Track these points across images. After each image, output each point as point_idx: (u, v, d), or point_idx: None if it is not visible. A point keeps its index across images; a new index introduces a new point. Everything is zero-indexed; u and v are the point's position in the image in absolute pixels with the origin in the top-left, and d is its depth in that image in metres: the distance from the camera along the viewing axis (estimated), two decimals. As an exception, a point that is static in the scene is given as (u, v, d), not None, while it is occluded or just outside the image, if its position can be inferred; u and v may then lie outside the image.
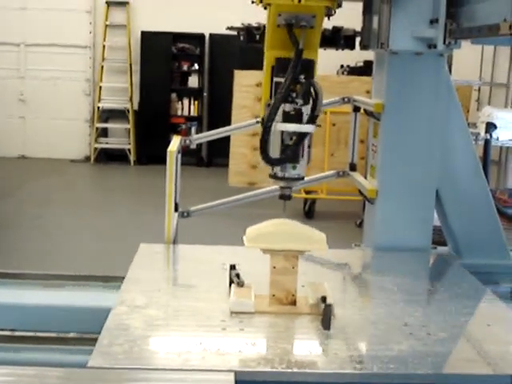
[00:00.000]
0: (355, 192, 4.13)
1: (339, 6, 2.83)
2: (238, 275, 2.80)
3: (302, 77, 2.76)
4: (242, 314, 2.58)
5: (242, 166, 9.55)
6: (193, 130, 13.07)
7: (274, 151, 2.85)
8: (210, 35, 12.94)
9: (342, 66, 11.84)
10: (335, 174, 4.52)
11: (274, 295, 2.66)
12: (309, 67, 2.80)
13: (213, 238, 7.75)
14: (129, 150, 13.02)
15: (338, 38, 3.32)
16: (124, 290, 2.81)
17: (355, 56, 10.58)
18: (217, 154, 12.70)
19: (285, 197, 2.97)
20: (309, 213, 9.13)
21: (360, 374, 2.20)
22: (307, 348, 2.38)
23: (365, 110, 4.02)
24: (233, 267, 2.89)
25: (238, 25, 3.35)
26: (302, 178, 2.98)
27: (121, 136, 13.24)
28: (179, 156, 4.19)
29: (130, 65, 12.98)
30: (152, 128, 12.80)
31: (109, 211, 9.31)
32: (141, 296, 2.73)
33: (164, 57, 12.91)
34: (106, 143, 13.15)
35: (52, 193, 10.34)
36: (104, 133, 13.28)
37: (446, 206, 3.69)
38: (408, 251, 3.53)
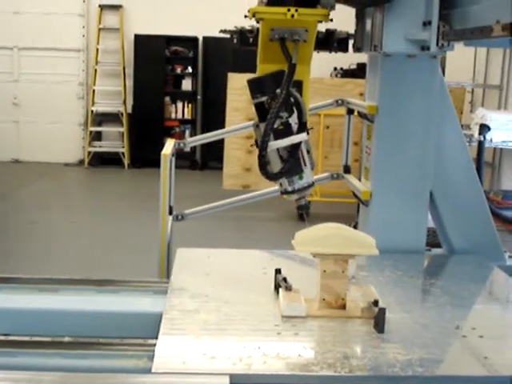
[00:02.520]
0: (349, 194, 4.13)
1: (331, 20, 2.86)
2: (285, 279, 2.81)
3: (279, 91, 2.77)
4: (293, 318, 2.59)
5: (236, 168, 9.55)
6: (187, 133, 13.06)
7: (276, 168, 2.86)
8: (204, 38, 12.94)
9: (335, 69, 11.85)
10: (329, 177, 4.53)
11: (323, 299, 2.67)
12: (280, 80, 2.80)
13: (208, 241, 7.75)
14: (123, 153, 13.01)
15: (331, 41, 3.33)
16: (171, 294, 2.84)
17: (348, 58, 10.60)
18: (211, 157, 12.70)
19: (302, 207, 3.02)
20: (303, 215, 9.12)
21: (420, 377, 2.22)
22: (365, 351, 2.37)
23: (358, 113, 4.03)
24: (278, 271, 2.89)
25: (232, 28, 3.35)
26: (313, 184, 2.99)
27: (114, 139, 13.22)
28: (173, 159, 4.19)
29: (124, 68, 12.96)
30: (146, 131, 12.79)
31: (103, 215, 9.29)
32: (190, 301, 2.76)
33: (157, 60, 12.90)
34: (100, 147, 13.13)
35: (46, 197, 10.32)
36: (98, 136, 13.26)
37: (440, 207, 3.70)
38: (402, 253, 3.54)
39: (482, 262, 3.52)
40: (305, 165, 2.94)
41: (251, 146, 2.92)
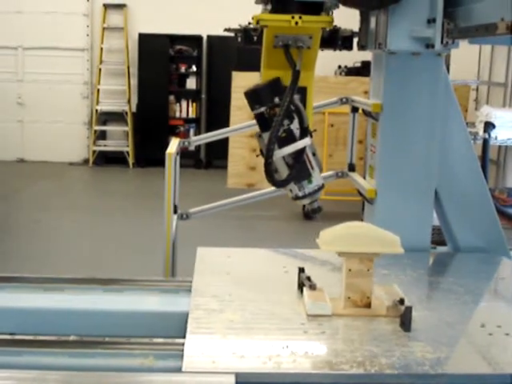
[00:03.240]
0: (354, 192, 4.13)
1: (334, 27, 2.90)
2: (308, 278, 2.81)
3: (277, 99, 2.77)
4: (319, 316, 2.59)
5: (241, 167, 9.55)
6: (191, 131, 13.08)
7: (283, 175, 2.87)
8: (208, 37, 12.95)
9: (339, 67, 11.84)
10: (334, 175, 4.52)
11: (349, 297, 2.67)
12: (279, 88, 2.81)
13: (212, 240, 7.76)
14: (127, 152, 13.02)
15: (335, 39, 3.32)
16: (195, 294, 2.84)
17: (353, 57, 10.59)
18: (215, 156, 12.71)
19: (315, 211, 3.02)
20: (308, 214, 9.13)
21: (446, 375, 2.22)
22: (393, 350, 2.36)
23: (363, 111, 4.02)
24: (302, 270, 2.89)
25: (236, 26, 3.35)
26: (323, 186, 2.99)
27: (119, 138, 13.23)
28: (178, 158, 4.20)
29: (128, 67, 12.98)
30: (150, 130, 12.80)
31: (108, 214, 9.30)
32: (213, 300, 2.75)
33: (162, 59, 12.91)
34: (105, 146, 13.15)
35: (51, 196, 10.34)
36: (102, 135, 13.28)
37: (445, 205, 3.69)
38: (408, 251, 3.53)
39: (496, 260, 3.52)
40: (312, 168, 2.95)
41: (257, 156, 2.92)
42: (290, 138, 2.81)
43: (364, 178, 3.99)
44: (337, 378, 2.20)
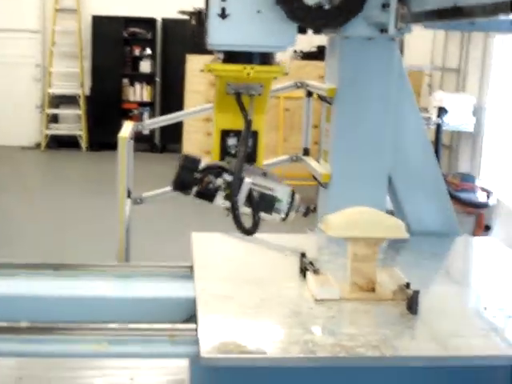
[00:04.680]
0: (309, 177, 4.14)
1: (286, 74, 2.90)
2: (311, 263, 2.83)
3: (197, 174, 2.86)
4: (326, 301, 2.61)
5: (196, 151, 9.50)
6: (145, 115, 12.95)
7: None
8: (162, 19, 12.83)
9: (295, 51, 11.84)
10: (289, 159, 4.53)
11: (355, 282, 2.70)
12: (192, 163, 2.91)
13: (166, 225, 7.73)
14: (80, 136, 12.87)
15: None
16: (199, 278, 2.83)
17: (309, 41, 10.59)
18: (170, 140, 12.63)
19: (306, 214, 3.04)
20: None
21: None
22: (404, 333, 2.42)
23: (318, 95, 4.03)
24: (303, 255, 2.91)
25: (190, 9, 3.32)
26: (293, 192, 3.00)
27: (72, 122, 13.06)
28: (131, 142, 4.16)
29: (81, 50, 12.79)
30: (104, 114, 12.66)
31: (61, 199, 9.19)
32: (219, 285, 2.76)
33: (115, 41, 12.76)
34: (57, 129, 12.96)
35: (2, 181, 10.17)
36: (55, 119, 13.09)
37: (398, 190, 3.72)
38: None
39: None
40: (271, 190, 2.96)
41: (227, 215, 2.93)
42: (235, 189, 2.83)
43: (319, 162, 4.00)
44: (354, 361, 2.25)
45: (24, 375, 1.94)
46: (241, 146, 2.80)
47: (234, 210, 2.79)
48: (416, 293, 2.56)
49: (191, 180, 2.88)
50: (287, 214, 2.97)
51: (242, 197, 2.85)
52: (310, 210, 3.08)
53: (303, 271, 2.86)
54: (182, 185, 2.91)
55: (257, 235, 3.57)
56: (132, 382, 1.95)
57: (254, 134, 2.94)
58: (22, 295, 2.78)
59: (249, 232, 2.86)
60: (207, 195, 2.88)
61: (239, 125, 2.84)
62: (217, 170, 2.87)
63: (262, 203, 2.91)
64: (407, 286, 2.63)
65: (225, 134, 3.00)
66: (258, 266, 3.07)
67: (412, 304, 2.55)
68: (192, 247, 3.22)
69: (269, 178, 2.98)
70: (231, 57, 2.79)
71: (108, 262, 3.27)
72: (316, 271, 2.77)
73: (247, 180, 2.82)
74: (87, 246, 6.81)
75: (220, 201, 2.86)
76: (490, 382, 2.58)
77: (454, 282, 3.01)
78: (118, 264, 3.74)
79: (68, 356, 2.31)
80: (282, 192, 2.97)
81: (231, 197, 2.79)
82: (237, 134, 2.94)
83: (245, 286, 2.77)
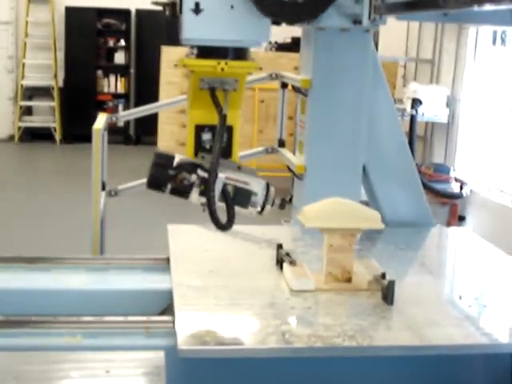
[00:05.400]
0: (284, 168, 4.15)
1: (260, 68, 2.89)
2: (288, 254, 2.84)
3: (171, 171, 2.84)
4: (302, 292, 2.61)
5: (171, 143, 9.47)
6: (120, 107, 12.90)
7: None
8: (136, 10, 12.76)
9: (270, 43, 11.83)
10: (264, 151, 4.53)
11: (330, 273, 2.70)
12: (166, 160, 2.90)
13: (143, 217, 7.71)
14: (54, 128, 12.77)
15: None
16: (175, 271, 2.81)
17: (283, 32, 10.59)
18: (145, 132, 12.58)
19: (282, 206, 3.04)
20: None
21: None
22: (380, 323, 2.42)
23: (293, 87, 4.03)
24: (280, 246, 2.91)
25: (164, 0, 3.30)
26: (268, 185, 3.00)
27: (45, 114, 12.96)
28: (105, 134, 4.14)
29: (54, 41, 12.69)
30: (78, 106, 12.58)
31: (35, 192, 9.13)
32: (196, 277, 2.75)
33: (89, 33, 12.68)
34: (31, 122, 12.86)
35: (-25, 173, 10.08)
36: (28, 111, 12.99)
37: (372, 180, 3.74)
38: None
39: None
40: (246, 184, 2.95)
41: (203, 211, 2.92)
42: (208, 185, 2.83)
43: (294, 153, 4.00)
44: (331, 351, 2.25)
45: (-3, 369, 1.93)
46: (216, 142, 2.79)
47: (210, 205, 2.79)
48: (391, 283, 2.56)
49: (165, 177, 2.86)
50: (263, 208, 2.97)
51: (217, 192, 2.84)
52: (285, 202, 3.09)
53: (280, 262, 2.86)
54: (156, 183, 2.90)
55: (234, 227, 3.57)
56: (108, 374, 1.94)
57: (229, 129, 2.94)
58: (-4, 289, 2.76)
59: (224, 227, 2.86)
60: (182, 192, 2.87)
61: (214, 120, 2.84)
62: (191, 167, 2.86)
63: (238, 197, 2.90)
64: (383, 276, 2.63)
65: (199, 129, 2.99)
66: (234, 257, 3.07)
67: (387, 294, 2.56)
68: (168, 239, 3.20)
69: (243, 171, 2.97)
70: (205, 52, 2.78)
71: (83, 255, 3.25)
72: (292, 262, 2.78)
73: (221, 175, 2.81)
74: (61, 240, 6.77)
75: (195, 197, 2.85)
76: (466, 371, 2.61)
77: (429, 272, 3.02)
78: (92, 257, 3.73)
79: (42, 349, 2.30)
80: (256, 185, 2.97)
81: (207, 193, 2.78)
82: (211, 128, 2.93)
83: (221, 278, 2.77)
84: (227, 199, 2.87)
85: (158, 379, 2.17)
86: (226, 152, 2.97)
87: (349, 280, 2.72)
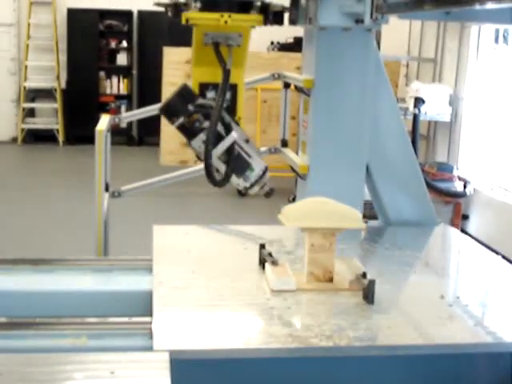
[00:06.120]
0: (287, 168, 4.14)
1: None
2: (270, 254, 2.82)
3: (191, 106, 2.80)
4: (283, 292, 2.60)
5: (173, 144, 9.49)
6: (122, 108, 12.89)
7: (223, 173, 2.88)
8: (138, 12, 12.76)
9: (272, 43, 11.83)
10: (267, 151, 4.53)
11: (311, 273, 2.69)
12: (189, 95, 2.85)
13: (147, 218, 7.70)
14: (57, 130, 12.78)
15: (266, 14, 3.31)
16: (157, 272, 2.80)
17: (285, 32, 10.59)
18: (148, 133, 12.58)
19: (269, 194, 3.04)
20: (241, 191, 9.11)
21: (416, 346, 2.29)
22: (359, 323, 2.40)
23: (295, 86, 4.03)
24: (263, 246, 2.90)
25: (166, 1, 3.30)
26: (267, 168, 3.00)
27: (48, 116, 12.97)
28: (108, 135, 4.14)
29: (57, 43, 12.69)
30: (80, 107, 12.58)
31: (39, 194, 9.13)
32: (177, 278, 2.74)
33: (91, 34, 12.67)
34: (34, 123, 12.86)
35: (-22, 175, 10.09)
36: (31, 113, 12.99)
37: (376, 180, 3.73)
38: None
39: (429, 231, 3.64)
40: (249, 156, 2.95)
41: (195, 162, 2.92)
42: (217, 138, 2.81)
43: (297, 153, 4.00)
44: (307, 351, 2.23)
45: (2, 371, 1.92)
46: (219, 96, 2.75)
47: (206, 158, 2.76)
48: (372, 282, 2.54)
49: (182, 110, 2.80)
50: (252, 185, 2.96)
51: (222, 147, 2.81)
52: (272, 192, 3.08)
53: (262, 263, 2.85)
54: (170, 110, 2.84)
55: (219, 226, 3.57)
56: (113, 375, 1.94)
57: (233, 88, 2.91)
58: (0, 291, 2.76)
59: (218, 184, 2.84)
60: (189, 132, 2.82)
61: (218, 78, 2.80)
62: (209, 113, 2.83)
63: (236, 164, 2.88)
64: (364, 275, 2.61)
65: (203, 88, 2.96)
66: (218, 258, 3.05)
67: (368, 293, 2.54)
68: (152, 240, 3.20)
69: (250, 145, 2.97)
70: (208, 5, 2.76)
71: (86, 256, 3.25)
72: (274, 262, 2.76)
73: (233, 133, 2.79)
74: (65, 241, 6.77)
75: (197, 143, 2.81)
76: (446, 370, 2.56)
77: (413, 272, 3.00)
78: (96, 258, 3.73)
79: (46, 351, 2.30)
80: (257, 163, 2.97)
81: (207, 144, 2.75)
82: (215, 86, 2.88)
83: (203, 279, 2.76)
84: (229, 157, 2.84)
85: (162, 380, 2.16)
86: (231, 111, 2.95)
87: (330, 280, 2.70)
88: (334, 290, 2.66)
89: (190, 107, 2.80)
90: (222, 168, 2.92)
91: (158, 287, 2.63)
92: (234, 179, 2.96)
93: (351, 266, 2.77)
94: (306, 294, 2.63)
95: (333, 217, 2.68)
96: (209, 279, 2.76)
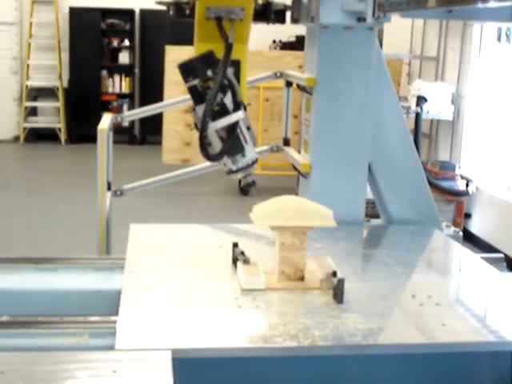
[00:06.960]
0: (289, 167, 4.15)
1: None
2: (242, 253, 2.82)
3: (210, 72, 2.76)
4: (253, 291, 2.60)
5: (175, 143, 9.48)
6: (124, 107, 12.89)
7: (217, 149, 2.86)
8: (140, 10, 12.76)
9: (274, 41, 11.83)
10: (269, 150, 4.53)
11: (282, 271, 2.68)
12: (213, 61, 2.80)
13: (148, 217, 7.70)
14: (59, 128, 12.78)
15: (268, 12, 3.31)
16: (128, 271, 2.80)
17: (287, 31, 10.58)
18: (150, 132, 12.59)
19: (250, 185, 3.03)
20: (244, 189, 9.13)
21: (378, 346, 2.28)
22: (326, 322, 2.38)
23: (297, 85, 4.03)
24: (236, 245, 2.89)
25: (168, -1, 3.30)
26: (256, 161, 2.99)
27: (51, 115, 12.97)
28: (111, 134, 4.14)
29: (59, 42, 12.69)
30: (83, 106, 12.58)
31: (41, 192, 9.13)
32: (147, 277, 2.73)
33: (93, 33, 12.68)
34: (36, 122, 12.87)
35: (-19, 174, 10.09)
36: (33, 112, 13.00)
37: (378, 178, 3.73)
38: (342, 224, 3.57)
39: (428, 232, 3.61)
40: (246, 142, 2.94)
41: (190, 129, 2.92)
42: (223, 112, 2.79)
43: (299, 152, 4.00)
44: (270, 351, 2.22)
45: (5, 369, 1.92)
46: (220, 70, 2.74)
47: (201, 131, 2.74)
48: (341, 281, 2.53)
49: (200, 72, 2.77)
50: (238, 170, 2.96)
51: (226, 121, 2.80)
52: (253, 184, 3.08)
53: (235, 261, 2.84)
54: (188, 68, 2.80)
55: (195, 225, 3.56)
56: (115, 374, 1.95)
57: (236, 64, 2.89)
58: (2, 289, 2.76)
59: (211, 158, 2.83)
60: (198, 96, 2.79)
61: (220, 53, 2.79)
62: (225, 85, 2.79)
63: (231, 144, 2.88)
64: (334, 274, 2.60)
65: None
66: (192, 257, 3.03)
67: (337, 293, 2.53)
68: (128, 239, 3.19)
69: (250, 133, 2.97)
70: None
71: (89, 255, 3.25)
72: (246, 261, 2.76)
73: (240, 113, 2.78)
74: (67, 240, 6.77)
75: (201, 111, 2.79)
76: (415, 370, 2.54)
77: (387, 271, 2.96)
78: (98, 257, 3.73)
79: (49, 349, 2.30)
80: (250, 151, 2.96)
81: (203, 119, 2.74)
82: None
83: (174, 278, 2.75)
84: (229, 133, 2.83)
85: (165, 379, 2.16)
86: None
87: (301, 278, 2.69)
88: (305, 288, 2.65)
89: (209, 73, 2.77)
90: (216, 143, 2.89)
91: (127, 287, 2.62)
92: (224, 158, 2.95)
93: (323, 264, 2.74)
94: (276, 292, 2.61)
95: (303, 215, 2.66)
96: (179, 278, 2.74)
